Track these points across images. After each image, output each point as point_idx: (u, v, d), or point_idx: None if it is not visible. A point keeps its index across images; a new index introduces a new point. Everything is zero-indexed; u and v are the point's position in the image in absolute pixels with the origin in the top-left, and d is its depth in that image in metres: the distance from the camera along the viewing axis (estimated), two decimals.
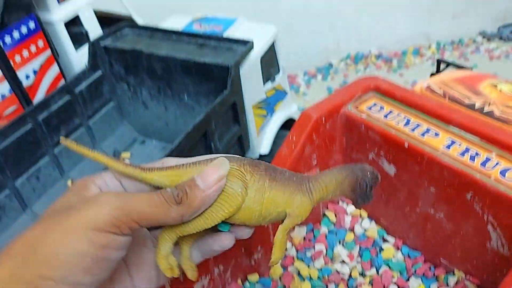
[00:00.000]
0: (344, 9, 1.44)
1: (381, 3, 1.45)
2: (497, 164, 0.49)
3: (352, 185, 0.32)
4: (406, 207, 0.58)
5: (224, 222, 0.31)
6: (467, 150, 0.51)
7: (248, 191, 0.30)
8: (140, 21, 1.04)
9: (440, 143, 0.52)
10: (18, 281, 0.23)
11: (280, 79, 0.96)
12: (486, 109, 0.54)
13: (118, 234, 0.25)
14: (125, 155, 0.89)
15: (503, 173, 0.47)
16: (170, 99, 0.85)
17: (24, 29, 0.77)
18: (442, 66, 0.75)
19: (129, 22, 0.91)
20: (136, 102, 0.89)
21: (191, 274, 0.32)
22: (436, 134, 0.53)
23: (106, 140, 0.89)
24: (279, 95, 0.97)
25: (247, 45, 0.77)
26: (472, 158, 0.50)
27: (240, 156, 0.31)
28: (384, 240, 0.61)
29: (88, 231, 0.24)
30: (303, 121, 0.58)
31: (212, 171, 0.28)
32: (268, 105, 0.92)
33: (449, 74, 0.64)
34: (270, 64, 0.91)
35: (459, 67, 0.71)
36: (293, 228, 0.31)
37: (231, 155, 0.31)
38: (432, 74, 0.76)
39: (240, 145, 0.83)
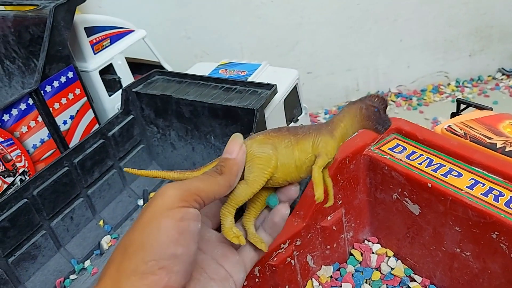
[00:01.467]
0: (361, 50, 1.48)
1: (396, 44, 1.49)
2: None
3: (365, 114, 0.34)
4: (432, 246, 0.59)
5: (272, 196, 0.37)
6: (490, 190, 0.52)
7: (278, 150, 0.35)
8: (168, 67, 1.10)
9: (463, 183, 0.53)
10: (125, 273, 0.27)
11: (302, 119, 0.99)
12: (508, 149, 0.56)
13: (188, 207, 0.30)
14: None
15: None
16: (197, 140, 0.89)
17: (63, 79, 0.83)
18: (462, 106, 0.77)
19: (158, 69, 0.96)
20: (165, 143, 0.93)
21: (261, 245, 0.37)
22: (459, 174, 0.55)
23: (136, 181, 0.93)
24: None
25: (271, 89, 0.81)
26: (496, 198, 0.51)
27: (265, 130, 0.37)
28: (411, 279, 0.61)
29: (164, 211, 0.29)
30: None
31: (232, 143, 0.36)
32: None
33: (468, 114, 0.66)
34: (292, 105, 0.95)
35: (478, 107, 0.72)
36: (326, 166, 0.36)
37: (259, 131, 0.37)
38: (452, 114, 0.78)
39: None
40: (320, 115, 1.53)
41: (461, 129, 0.61)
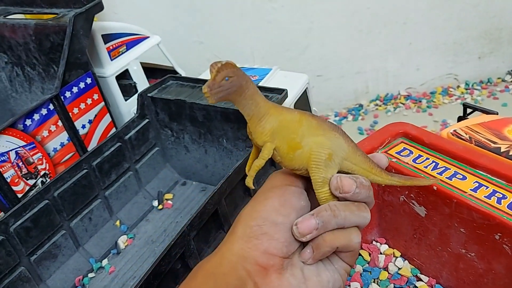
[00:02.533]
0: (370, 53, 1.50)
1: (406, 47, 1.51)
2: None
3: None
4: (438, 246, 0.60)
5: None
6: (494, 192, 0.54)
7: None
8: (182, 72, 1.13)
9: (468, 186, 0.55)
10: (235, 236, 0.33)
11: None
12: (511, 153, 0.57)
13: (290, 185, 0.34)
14: (168, 196, 0.95)
15: None
16: (210, 143, 0.92)
17: (82, 85, 0.86)
18: (468, 110, 0.78)
19: (172, 73, 0.99)
20: (179, 146, 0.96)
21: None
22: (464, 178, 0.57)
23: (151, 182, 0.96)
24: None
25: (282, 93, 0.84)
26: (499, 200, 0.53)
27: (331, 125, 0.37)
28: (418, 279, 0.63)
29: (271, 188, 0.34)
30: None
31: (346, 181, 0.35)
32: None
33: (474, 119, 0.68)
34: (303, 109, 0.97)
35: (484, 111, 0.74)
36: None
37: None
38: (459, 118, 0.79)
39: None
40: (330, 117, 1.55)
41: (466, 134, 0.63)
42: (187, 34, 1.39)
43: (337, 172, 0.35)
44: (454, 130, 0.64)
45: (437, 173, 0.58)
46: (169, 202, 0.94)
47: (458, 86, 1.58)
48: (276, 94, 0.85)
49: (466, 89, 1.57)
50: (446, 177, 0.57)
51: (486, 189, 0.55)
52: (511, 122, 0.66)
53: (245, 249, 0.32)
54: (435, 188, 0.56)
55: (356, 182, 0.34)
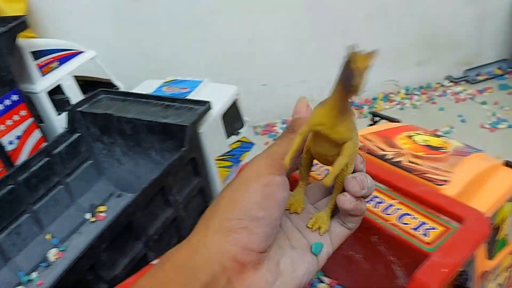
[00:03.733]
0: (313, 62, 1.55)
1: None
2: (397, 210, 0.56)
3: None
4: (336, 250, 0.64)
5: (316, 244, 0.35)
6: (373, 197, 0.58)
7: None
8: (120, 85, 1.15)
9: None
10: (212, 228, 0.30)
11: (245, 132, 1.05)
12: (395, 159, 0.62)
13: (275, 174, 0.31)
14: (102, 208, 0.97)
15: (400, 218, 0.54)
16: (140, 155, 0.94)
17: (7, 102, 0.88)
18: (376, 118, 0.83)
19: (105, 87, 1.01)
20: (111, 159, 0.98)
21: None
22: None
23: (84, 195, 0.97)
24: (245, 146, 1.05)
25: (205, 105, 0.87)
26: (376, 205, 0.57)
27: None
28: (320, 281, 0.67)
29: (253, 177, 0.31)
30: None
31: (300, 104, 0.38)
32: (233, 157, 1.01)
33: (375, 127, 0.72)
34: (233, 120, 1.01)
35: (389, 119, 0.79)
36: None
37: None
38: (369, 126, 0.84)
39: (202, 196, 0.90)
40: (278, 124, 1.59)
41: (360, 142, 0.67)
42: (132, 46, 1.41)
43: None
44: None
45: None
46: (102, 214, 0.96)
47: (399, 92, 1.65)
48: (200, 106, 0.88)
49: (406, 94, 1.63)
50: None
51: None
52: (405, 130, 0.71)
53: (222, 243, 0.29)
54: None
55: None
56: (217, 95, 0.97)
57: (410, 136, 0.68)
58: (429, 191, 0.54)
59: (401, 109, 1.59)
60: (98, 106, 0.95)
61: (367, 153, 0.65)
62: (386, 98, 1.64)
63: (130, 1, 1.36)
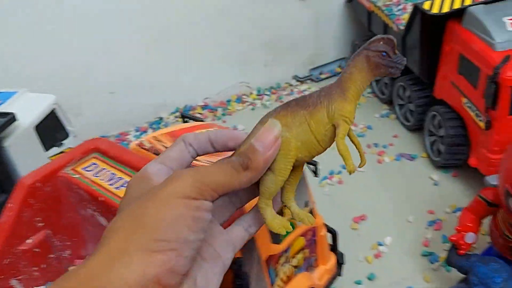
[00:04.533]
0: (162, 69, 1.56)
1: (195, 61, 1.59)
2: None
3: (374, 61, 0.31)
4: None
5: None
6: None
7: (294, 129, 0.31)
8: None
9: None
10: (134, 246, 0.26)
11: (71, 143, 1.01)
12: None
13: (206, 199, 0.29)
14: None
15: None
16: None
17: None
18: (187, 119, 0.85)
19: None
20: None
21: (309, 220, 0.34)
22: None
23: None
24: None
25: (6, 117, 0.82)
26: None
27: (274, 108, 0.32)
28: None
29: (180, 199, 0.28)
30: (18, 188, 0.63)
31: (267, 133, 0.31)
32: None
33: (166, 129, 0.74)
34: (52, 130, 0.96)
35: (195, 119, 0.81)
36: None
37: (269, 111, 0.32)
38: None
39: None
40: (131, 132, 1.56)
41: (150, 143, 0.68)
42: None
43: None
44: (141, 141, 0.69)
45: (109, 185, 0.61)
46: None
47: (251, 93, 1.72)
48: (2, 118, 0.83)
49: (258, 95, 1.71)
50: (115, 187, 0.61)
51: None
52: (197, 129, 0.73)
53: (146, 264, 0.27)
54: (101, 199, 0.60)
55: None
56: (30, 106, 0.93)
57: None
58: None
59: (253, 109, 1.66)
60: None
61: (154, 153, 0.66)
62: (239, 99, 1.70)
63: None
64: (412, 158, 1.30)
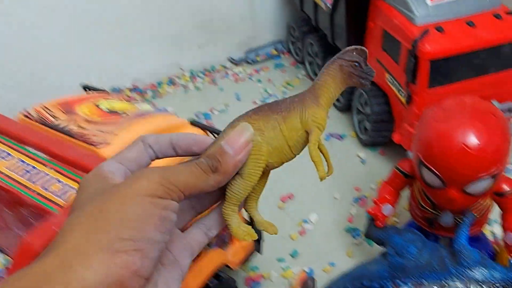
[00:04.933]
0: (88, 50, 1.47)
1: (123, 42, 1.52)
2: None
3: (347, 71, 0.32)
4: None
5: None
6: (34, 168, 0.53)
7: (266, 133, 0.31)
8: None
9: (5, 165, 0.53)
10: (95, 245, 0.24)
11: None
12: (65, 126, 0.58)
13: (173, 199, 0.27)
14: None
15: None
16: None
17: None
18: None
19: None
20: None
21: (272, 230, 0.34)
22: (9, 155, 0.55)
23: None
24: None
25: None
26: (31, 177, 0.52)
27: (245, 112, 0.32)
28: None
29: (147, 197, 0.26)
30: None
31: (238, 135, 0.30)
32: None
33: (61, 98, 0.68)
34: None
35: (96, 90, 0.76)
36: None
37: (239, 115, 0.32)
38: None
39: None
40: None
41: (38, 113, 0.62)
42: None
43: None
44: (27, 112, 0.63)
45: None
46: None
47: (184, 75, 1.66)
48: None
49: (191, 77, 1.66)
50: None
51: (27, 165, 0.54)
52: (94, 98, 0.68)
53: (108, 265, 0.24)
54: None
55: None
56: None
57: (96, 104, 0.65)
58: (74, 150, 0.52)
59: (185, 92, 1.61)
60: None
61: (41, 124, 0.60)
62: (171, 82, 1.64)
63: None
64: (341, 137, 1.30)
